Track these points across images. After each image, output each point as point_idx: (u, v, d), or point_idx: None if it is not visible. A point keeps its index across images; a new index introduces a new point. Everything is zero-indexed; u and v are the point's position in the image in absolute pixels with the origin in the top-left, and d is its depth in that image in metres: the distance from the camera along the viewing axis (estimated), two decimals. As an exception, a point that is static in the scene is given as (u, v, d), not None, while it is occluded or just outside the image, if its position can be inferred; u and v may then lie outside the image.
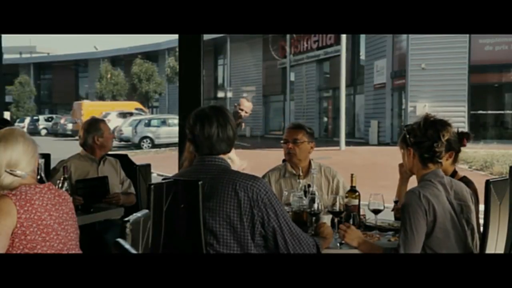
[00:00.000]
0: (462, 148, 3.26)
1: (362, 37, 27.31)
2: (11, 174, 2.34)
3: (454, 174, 3.28)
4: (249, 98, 7.04)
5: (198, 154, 2.72)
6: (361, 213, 3.34)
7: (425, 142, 2.81)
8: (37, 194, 2.33)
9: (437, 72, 21.94)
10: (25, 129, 23.74)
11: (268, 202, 2.50)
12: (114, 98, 41.03)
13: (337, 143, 22.60)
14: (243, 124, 6.43)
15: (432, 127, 2.82)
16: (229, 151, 2.69)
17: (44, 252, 2.28)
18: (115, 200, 4.15)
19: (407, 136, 2.87)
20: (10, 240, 2.23)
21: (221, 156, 2.67)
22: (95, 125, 4.37)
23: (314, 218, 3.08)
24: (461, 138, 3.18)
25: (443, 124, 2.83)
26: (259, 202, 2.48)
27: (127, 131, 27.44)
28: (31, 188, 2.34)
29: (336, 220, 3.12)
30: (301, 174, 3.37)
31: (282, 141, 3.83)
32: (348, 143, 22.72)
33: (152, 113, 38.19)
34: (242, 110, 6.09)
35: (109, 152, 4.55)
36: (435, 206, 2.69)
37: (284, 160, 3.93)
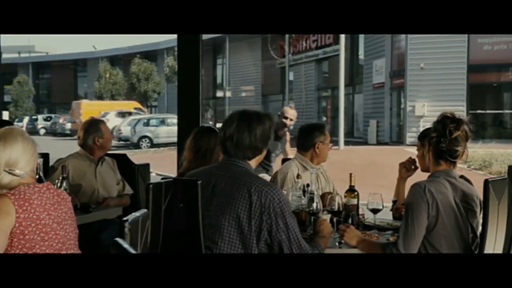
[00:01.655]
0: None
1: (361, 36, 27.31)
2: (9, 173, 2.33)
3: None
4: (292, 105, 6.79)
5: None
6: (360, 212, 3.34)
7: (435, 137, 2.79)
8: (35, 193, 2.32)
9: (436, 72, 21.94)
10: (23, 129, 23.69)
11: (280, 211, 2.47)
12: (113, 97, 41.01)
13: (336, 143, 22.54)
14: (287, 134, 6.10)
15: (441, 122, 2.79)
16: (247, 158, 2.63)
17: (43, 252, 2.27)
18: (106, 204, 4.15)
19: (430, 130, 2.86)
20: (9, 239, 2.22)
21: (248, 161, 2.64)
22: (95, 126, 4.34)
23: (312, 217, 3.08)
24: None
25: (453, 121, 2.78)
26: (270, 209, 2.46)
27: (126, 131, 27.43)
28: (29, 187, 2.33)
29: (335, 219, 3.12)
30: (300, 173, 3.40)
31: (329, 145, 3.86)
32: (347, 143, 22.72)
33: (151, 112, 38.18)
34: (286, 118, 5.91)
35: (108, 152, 4.54)
36: (438, 202, 2.68)
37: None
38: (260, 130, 2.60)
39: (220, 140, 2.65)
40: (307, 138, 3.79)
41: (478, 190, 3.11)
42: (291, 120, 5.92)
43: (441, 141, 2.76)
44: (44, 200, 2.34)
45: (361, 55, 28.09)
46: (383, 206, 3.18)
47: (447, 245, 2.71)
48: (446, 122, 2.77)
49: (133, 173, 4.67)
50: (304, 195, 3.11)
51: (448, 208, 2.71)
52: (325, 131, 3.83)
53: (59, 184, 3.62)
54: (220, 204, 2.53)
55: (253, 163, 2.66)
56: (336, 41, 26.61)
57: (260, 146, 2.62)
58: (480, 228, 2.93)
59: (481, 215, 2.97)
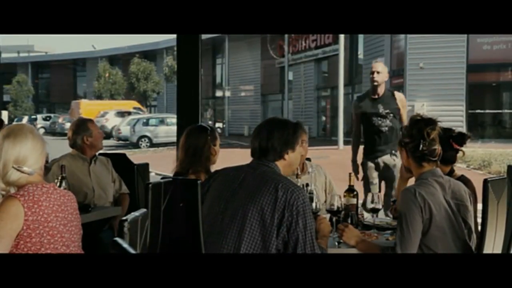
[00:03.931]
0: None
1: (361, 36, 27.29)
2: (18, 170, 2.30)
3: (451, 173, 3.28)
4: (379, 59, 6.41)
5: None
6: (359, 212, 3.34)
7: (411, 142, 2.82)
8: (44, 194, 2.29)
9: (435, 71, 21.93)
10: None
11: (302, 211, 2.48)
12: (112, 97, 41.00)
13: (335, 142, 22.60)
14: (379, 90, 5.67)
15: (415, 126, 2.82)
16: (271, 160, 2.65)
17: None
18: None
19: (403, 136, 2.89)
20: (15, 242, 2.19)
21: (275, 163, 2.67)
22: (83, 125, 4.33)
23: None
24: (447, 140, 3.11)
25: (427, 123, 2.81)
26: (293, 207, 2.47)
27: (125, 130, 27.39)
28: (38, 188, 2.30)
29: (334, 219, 3.12)
30: (299, 173, 3.40)
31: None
32: (346, 142, 22.62)
33: (150, 112, 38.15)
34: (373, 72, 5.63)
35: (108, 152, 4.54)
36: (430, 204, 2.70)
37: None
38: (279, 134, 2.66)
39: (251, 145, 2.71)
40: None
41: (477, 190, 3.12)
42: (377, 73, 5.56)
43: (420, 145, 2.78)
44: (52, 201, 2.31)
45: (361, 55, 28.07)
46: (382, 206, 3.18)
47: (443, 246, 2.72)
48: (421, 126, 2.80)
49: (132, 172, 4.67)
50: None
51: (440, 209, 2.73)
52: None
53: (58, 184, 3.62)
54: (245, 196, 2.55)
55: (280, 166, 2.67)
56: (336, 41, 26.60)
57: (278, 149, 2.65)
58: (474, 221, 2.94)
59: (477, 209, 2.98)
